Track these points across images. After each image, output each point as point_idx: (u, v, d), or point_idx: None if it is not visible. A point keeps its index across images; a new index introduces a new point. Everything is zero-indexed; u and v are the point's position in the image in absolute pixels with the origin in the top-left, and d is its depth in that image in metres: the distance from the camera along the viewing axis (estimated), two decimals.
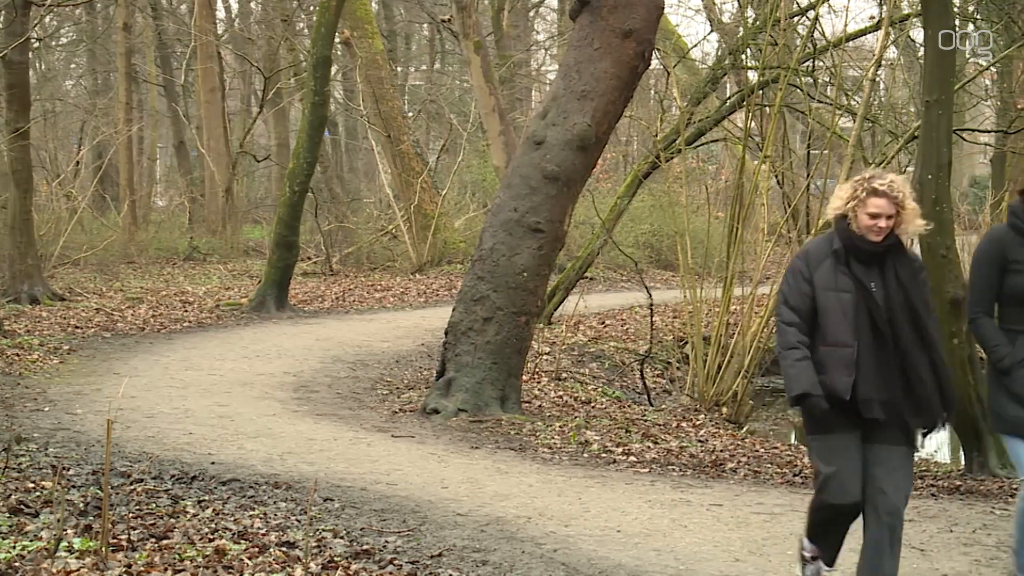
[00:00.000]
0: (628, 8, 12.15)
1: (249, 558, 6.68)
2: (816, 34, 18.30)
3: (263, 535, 7.21)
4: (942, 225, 10.31)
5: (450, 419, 11.66)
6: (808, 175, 19.55)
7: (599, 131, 12.31)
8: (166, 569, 6.39)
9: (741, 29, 20.20)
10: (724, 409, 14.61)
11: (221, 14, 43.17)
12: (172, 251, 30.85)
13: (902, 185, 6.20)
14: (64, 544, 6.62)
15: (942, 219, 10.35)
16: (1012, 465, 10.82)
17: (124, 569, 6.34)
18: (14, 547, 6.59)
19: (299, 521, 7.60)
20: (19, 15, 18.84)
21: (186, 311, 19.98)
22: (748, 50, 18.91)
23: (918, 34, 20.22)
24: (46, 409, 11.56)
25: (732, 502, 8.81)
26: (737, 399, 14.68)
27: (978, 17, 18.16)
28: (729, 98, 19.70)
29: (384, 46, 32.10)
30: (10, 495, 7.76)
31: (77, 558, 6.43)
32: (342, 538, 7.34)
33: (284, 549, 6.92)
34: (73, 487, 8.18)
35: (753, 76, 18.49)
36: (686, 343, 16.71)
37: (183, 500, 8.04)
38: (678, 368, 16.73)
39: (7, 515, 7.28)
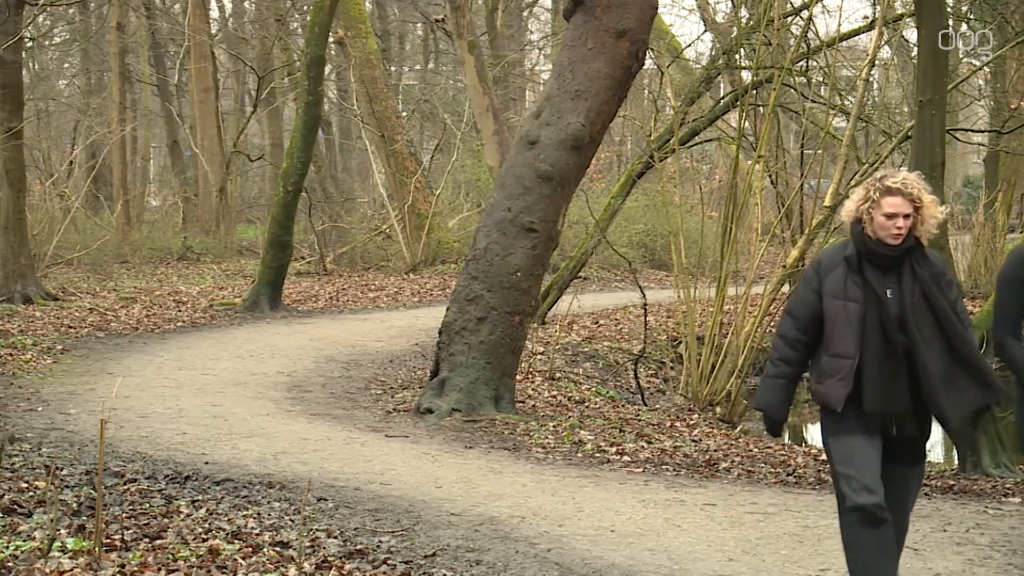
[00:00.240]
0: (622, 8, 12.15)
1: (243, 558, 6.68)
2: (810, 34, 18.32)
3: (257, 535, 7.21)
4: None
5: (444, 419, 11.66)
6: (802, 175, 19.56)
7: (593, 131, 12.31)
8: (160, 569, 6.39)
9: (735, 29, 20.20)
10: (718, 409, 14.61)
11: (215, 13, 43.21)
12: (166, 251, 30.83)
13: (916, 181, 6.03)
14: (57, 544, 6.61)
15: None
16: (1007, 465, 10.85)
17: (118, 569, 6.33)
18: (7, 547, 6.59)
19: (293, 521, 7.60)
20: (12, 14, 18.81)
21: (180, 311, 19.97)
22: (742, 50, 18.92)
23: (911, 34, 20.26)
24: (39, 409, 11.55)
25: (726, 502, 8.81)
26: (731, 399, 14.68)
27: (971, 17, 18.20)
28: (723, 98, 19.73)
29: (378, 46, 32.09)
30: (3, 495, 7.74)
31: (71, 558, 6.43)
32: (336, 538, 7.33)
33: (278, 549, 6.91)
34: (66, 487, 8.17)
35: (747, 76, 18.49)
36: (680, 343, 16.71)
37: (177, 500, 8.03)
38: (672, 368, 16.73)
39: (0, 515, 7.27)
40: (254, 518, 7.65)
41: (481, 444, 10.79)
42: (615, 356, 17.53)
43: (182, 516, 7.58)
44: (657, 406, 14.56)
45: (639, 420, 12.91)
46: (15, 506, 7.50)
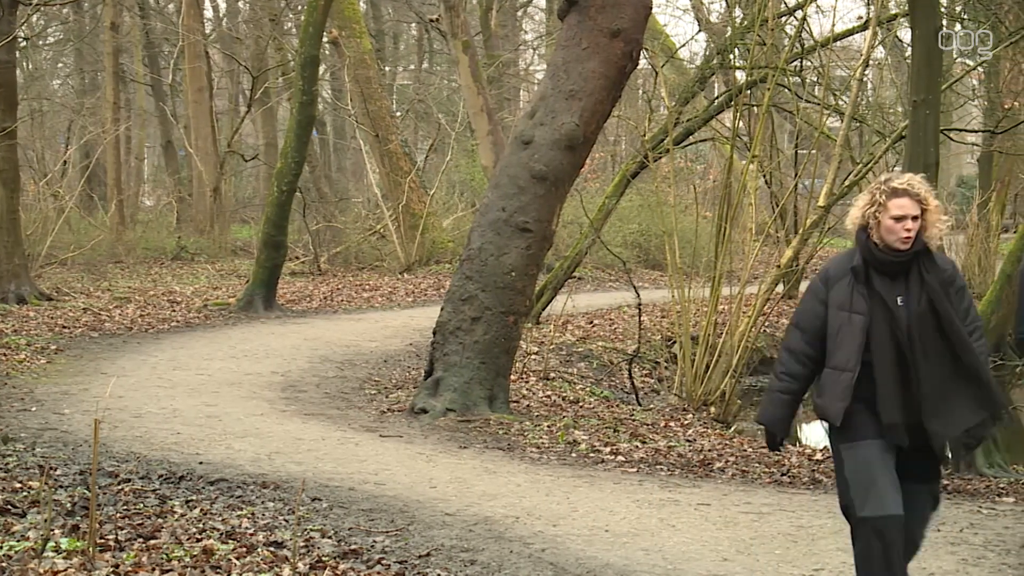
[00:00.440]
0: (616, 8, 12.15)
1: (237, 558, 6.68)
2: (804, 34, 18.35)
3: (251, 535, 7.21)
4: None
5: (438, 419, 11.65)
6: (796, 175, 19.60)
7: (587, 131, 12.31)
8: (154, 569, 6.39)
9: (729, 29, 20.23)
10: (712, 409, 14.62)
11: (209, 13, 43.20)
12: (160, 251, 30.80)
13: (922, 182, 5.88)
14: (51, 544, 6.60)
15: None
16: (1000, 465, 10.88)
17: (111, 569, 6.33)
18: (1, 547, 6.58)
19: (287, 521, 7.59)
20: (6, 14, 18.79)
21: (174, 311, 19.95)
22: (736, 50, 18.94)
23: (906, 34, 20.28)
24: (33, 409, 11.54)
25: (720, 501, 8.82)
26: (725, 399, 14.69)
27: (965, 17, 18.22)
28: (717, 98, 19.73)
29: (372, 45, 32.09)
30: None
31: (64, 558, 6.42)
32: (330, 538, 7.33)
33: (272, 549, 6.91)
34: (60, 487, 8.16)
35: (741, 76, 18.53)
36: (674, 343, 16.72)
37: (171, 500, 8.03)
38: (666, 368, 16.74)
39: None
40: (248, 518, 7.65)
41: (475, 444, 10.79)
42: (609, 356, 17.53)
43: (176, 516, 7.57)
44: (651, 406, 14.56)
45: (633, 420, 12.91)
46: (9, 506, 7.49)
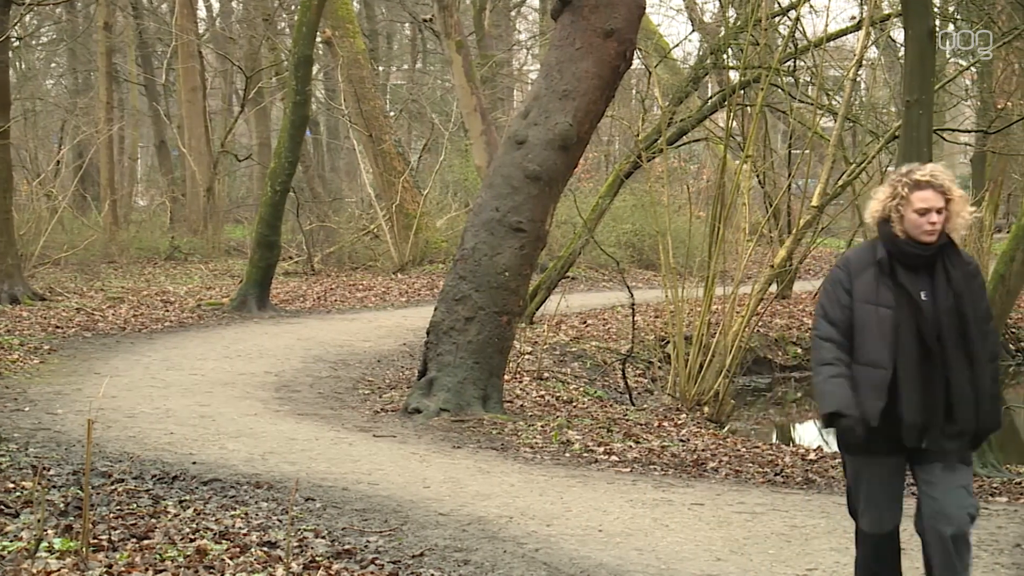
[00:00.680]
0: (609, 8, 12.15)
1: (230, 558, 6.67)
2: (797, 34, 18.38)
3: (244, 535, 7.20)
4: None
5: (432, 419, 11.65)
6: (789, 175, 19.61)
7: (581, 131, 12.31)
8: (147, 569, 6.38)
9: (723, 29, 20.23)
10: (706, 408, 14.64)
11: (202, 13, 43.17)
12: (153, 251, 30.76)
13: (944, 173, 5.64)
14: (44, 544, 6.60)
15: None
16: (993, 464, 10.88)
17: (105, 569, 6.32)
18: None
19: (280, 521, 7.59)
20: None
21: (167, 311, 19.94)
22: (729, 50, 18.95)
23: (898, 34, 20.31)
24: (26, 409, 11.52)
25: (713, 501, 8.82)
26: (719, 398, 14.71)
27: (958, 17, 18.24)
28: (711, 98, 19.76)
29: (366, 45, 32.07)
30: None
31: (57, 558, 6.41)
32: (324, 538, 7.33)
33: (265, 549, 6.90)
34: (53, 487, 8.15)
35: (734, 76, 18.53)
36: (668, 343, 16.74)
37: (164, 500, 8.02)
38: (660, 367, 16.76)
39: None
40: (242, 518, 7.64)
41: (469, 444, 10.79)
42: (603, 356, 17.54)
43: (169, 516, 7.56)
44: (645, 406, 14.57)
45: (627, 420, 12.92)
46: (2, 506, 7.47)
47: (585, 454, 10.63)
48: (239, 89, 37.81)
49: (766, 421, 17.48)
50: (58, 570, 6.22)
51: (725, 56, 19.22)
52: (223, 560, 6.61)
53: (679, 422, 13.34)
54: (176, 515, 7.60)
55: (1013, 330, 23.12)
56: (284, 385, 13.69)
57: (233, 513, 7.77)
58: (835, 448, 14.14)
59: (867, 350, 5.56)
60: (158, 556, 6.62)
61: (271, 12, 34.19)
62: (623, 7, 12.22)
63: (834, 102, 18.99)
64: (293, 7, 33.87)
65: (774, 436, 16.61)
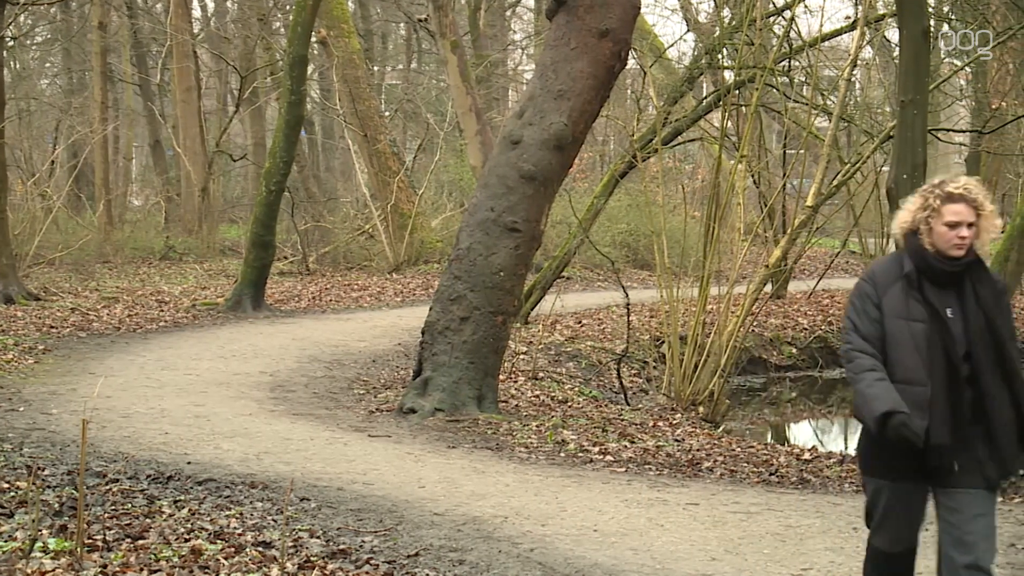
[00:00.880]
0: (604, 8, 12.16)
1: (225, 558, 6.67)
2: (792, 34, 18.39)
3: (239, 535, 7.20)
4: None
5: (427, 419, 11.65)
6: (784, 175, 19.63)
7: (576, 131, 12.32)
8: (142, 569, 6.38)
9: (717, 29, 20.26)
10: (701, 408, 14.64)
11: (197, 13, 43.11)
12: (148, 251, 30.74)
13: (977, 187, 5.46)
14: (39, 544, 6.59)
15: None
16: None
17: (99, 569, 6.32)
18: None
19: (275, 521, 7.59)
20: None
21: (162, 311, 19.92)
22: (724, 50, 18.97)
23: (893, 34, 20.33)
24: (21, 409, 11.51)
25: (708, 501, 8.83)
26: (714, 398, 14.71)
27: (953, 17, 18.27)
28: (705, 98, 19.76)
29: (361, 45, 32.07)
30: None
31: (52, 558, 6.41)
32: (318, 538, 7.33)
33: (260, 549, 6.90)
34: (48, 487, 8.14)
35: (729, 76, 18.56)
36: (663, 342, 16.73)
37: (159, 500, 8.02)
38: (655, 367, 16.75)
39: None
40: (236, 518, 7.64)
41: (464, 444, 10.79)
42: (598, 356, 17.54)
43: (164, 516, 7.56)
44: (640, 406, 14.57)
45: (622, 420, 12.92)
46: None
47: (580, 454, 10.63)
48: (234, 89, 37.82)
49: (761, 421, 17.50)
50: (53, 570, 6.22)
51: (720, 56, 19.24)
52: (218, 560, 6.61)
53: (674, 422, 13.34)
54: (171, 515, 7.60)
55: None
56: (279, 385, 13.68)
57: (228, 513, 7.77)
58: (830, 448, 14.17)
59: (903, 367, 5.37)
60: (153, 556, 6.62)
61: (266, 12, 34.18)
62: (618, 7, 12.23)
63: (829, 102, 19.02)
64: (288, 7, 33.84)
65: (769, 436, 16.62)
